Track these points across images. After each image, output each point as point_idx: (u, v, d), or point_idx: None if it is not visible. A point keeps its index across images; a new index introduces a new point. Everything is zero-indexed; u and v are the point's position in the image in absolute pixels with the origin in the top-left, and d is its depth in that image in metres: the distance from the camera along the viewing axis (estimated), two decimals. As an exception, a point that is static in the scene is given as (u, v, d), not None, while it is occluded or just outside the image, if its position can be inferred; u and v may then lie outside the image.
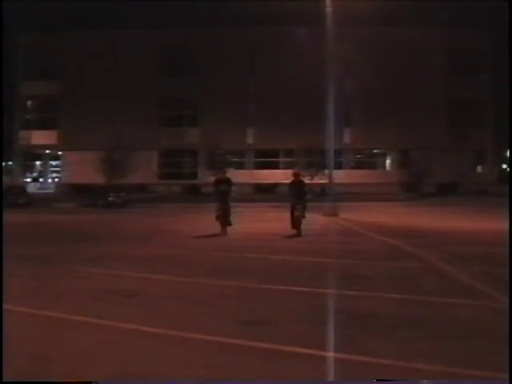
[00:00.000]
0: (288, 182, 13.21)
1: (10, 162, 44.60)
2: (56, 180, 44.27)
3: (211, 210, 13.32)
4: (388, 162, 42.38)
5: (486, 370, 3.51)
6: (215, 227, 12.46)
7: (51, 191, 40.29)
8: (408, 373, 3.55)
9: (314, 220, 14.81)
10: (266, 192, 34.77)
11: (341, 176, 30.45)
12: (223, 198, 12.64)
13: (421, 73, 38.91)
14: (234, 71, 39.59)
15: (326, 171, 20.94)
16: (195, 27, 38.82)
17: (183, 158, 41.90)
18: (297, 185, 12.81)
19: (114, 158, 35.14)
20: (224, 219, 12.48)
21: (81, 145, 38.59)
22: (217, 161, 35.47)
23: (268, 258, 8.61)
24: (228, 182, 13.07)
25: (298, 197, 12.49)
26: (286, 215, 12.66)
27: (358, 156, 42.57)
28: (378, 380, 3.37)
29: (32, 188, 39.53)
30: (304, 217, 12.38)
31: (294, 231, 12.11)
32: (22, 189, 31.62)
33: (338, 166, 33.00)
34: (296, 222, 12.22)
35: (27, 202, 27.10)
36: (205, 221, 15.84)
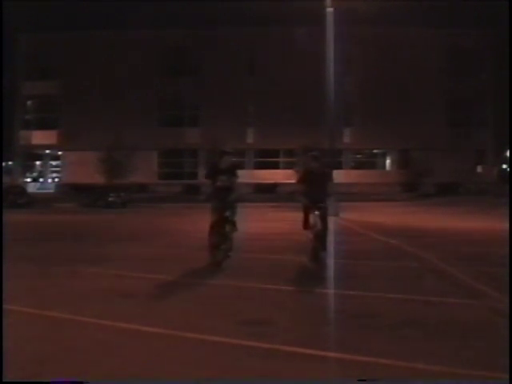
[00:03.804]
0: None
1: (10, 162, 44.60)
2: (56, 180, 44.27)
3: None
4: (388, 161, 42.39)
5: (486, 370, 3.51)
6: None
7: (51, 191, 40.30)
8: (408, 373, 3.55)
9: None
10: (266, 192, 34.76)
11: (341, 176, 30.44)
12: (222, 197, 7.75)
13: (421, 73, 38.92)
14: (234, 71, 39.60)
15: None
16: (195, 27, 38.84)
17: (183, 158, 41.92)
18: (317, 176, 7.95)
19: (113, 157, 35.15)
20: (218, 236, 7.65)
21: (81, 145, 38.60)
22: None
23: (268, 258, 8.61)
24: (231, 171, 7.97)
25: (318, 196, 7.78)
26: (286, 215, 11.81)
27: (358, 156, 42.58)
28: (378, 380, 3.37)
29: (32, 188, 39.55)
30: (327, 228, 7.80)
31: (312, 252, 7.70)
32: (22, 189, 31.64)
33: (338, 166, 33.03)
34: (319, 239, 7.62)
35: (27, 202, 27.12)
36: (205, 221, 15.84)
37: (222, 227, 7.76)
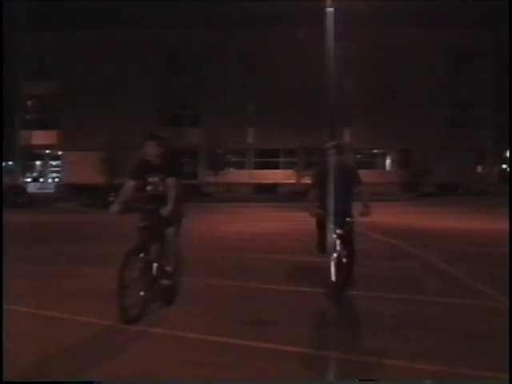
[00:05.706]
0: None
1: (10, 162, 44.59)
2: (56, 180, 44.26)
3: (211, 211, 12.72)
4: (388, 161, 42.38)
5: (486, 370, 3.51)
6: (215, 227, 12.07)
7: (51, 191, 40.28)
8: (408, 373, 3.55)
9: (313, 220, 14.75)
10: (266, 192, 34.77)
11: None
12: (153, 210, 5.10)
13: (421, 73, 38.92)
14: (234, 71, 39.58)
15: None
16: (195, 27, 38.81)
17: (183, 158, 41.90)
18: (340, 177, 5.35)
19: (114, 157, 35.13)
20: (140, 274, 4.76)
21: (81, 145, 38.57)
22: (217, 161, 35.45)
23: (268, 258, 8.60)
24: (166, 168, 5.12)
25: (340, 206, 5.30)
26: (286, 215, 11.62)
27: (358, 156, 42.55)
28: (377, 380, 3.37)
29: (32, 188, 39.52)
30: (353, 256, 5.37)
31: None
32: (22, 189, 31.60)
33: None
34: (341, 271, 5.10)
35: (27, 202, 27.08)
36: (204, 221, 15.83)
37: (150, 259, 4.82)
